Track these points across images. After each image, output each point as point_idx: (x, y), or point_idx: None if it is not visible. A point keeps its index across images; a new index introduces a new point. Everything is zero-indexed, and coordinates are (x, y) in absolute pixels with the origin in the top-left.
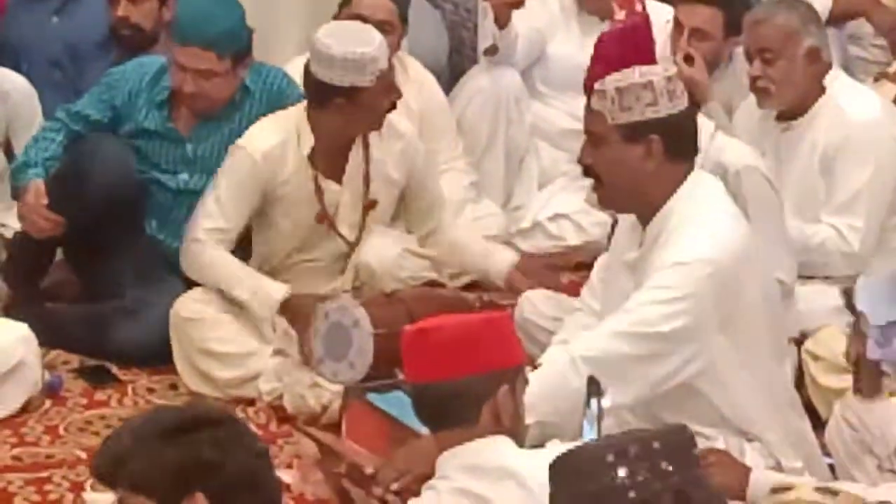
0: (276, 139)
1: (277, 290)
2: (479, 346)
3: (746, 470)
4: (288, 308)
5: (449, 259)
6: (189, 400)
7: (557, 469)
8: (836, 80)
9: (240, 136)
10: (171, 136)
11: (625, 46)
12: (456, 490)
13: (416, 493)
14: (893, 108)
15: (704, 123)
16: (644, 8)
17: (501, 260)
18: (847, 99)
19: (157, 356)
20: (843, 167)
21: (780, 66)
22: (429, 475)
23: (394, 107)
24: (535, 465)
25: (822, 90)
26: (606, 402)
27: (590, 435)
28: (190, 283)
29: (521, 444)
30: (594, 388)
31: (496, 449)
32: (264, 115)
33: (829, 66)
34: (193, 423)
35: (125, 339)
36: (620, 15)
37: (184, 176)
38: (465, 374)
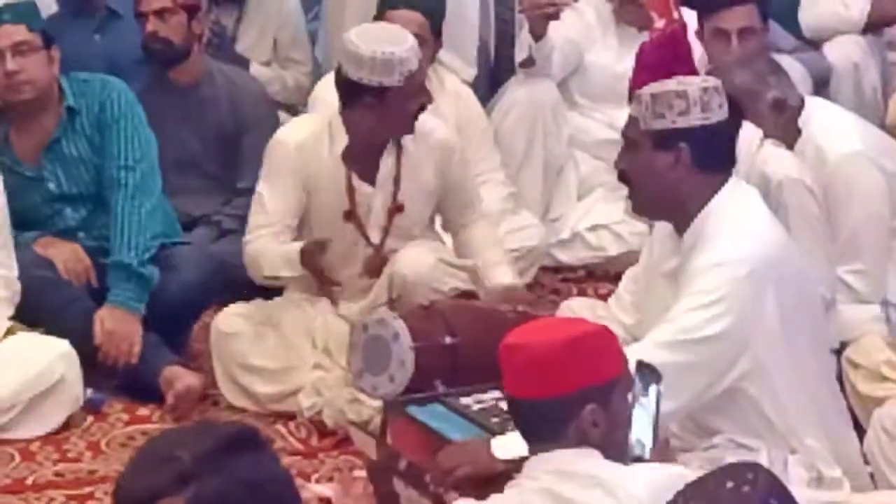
0: (309, 133)
1: (294, 251)
2: (563, 366)
3: None
4: (303, 259)
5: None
6: (204, 419)
7: None
8: (810, 118)
9: (86, 157)
10: (28, 180)
11: (665, 54)
12: (542, 490)
13: (466, 491)
14: (873, 133)
15: (750, 132)
16: (681, 15)
17: (494, 279)
18: (824, 137)
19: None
20: (834, 210)
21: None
22: (479, 475)
23: (423, 109)
24: (623, 477)
25: (798, 132)
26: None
27: (644, 422)
28: None
29: (620, 455)
30: (652, 376)
31: (585, 458)
32: (97, 131)
33: (801, 106)
34: (252, 438)
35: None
36: (660, 23)
37: (68, 210)
38: (550, 395)
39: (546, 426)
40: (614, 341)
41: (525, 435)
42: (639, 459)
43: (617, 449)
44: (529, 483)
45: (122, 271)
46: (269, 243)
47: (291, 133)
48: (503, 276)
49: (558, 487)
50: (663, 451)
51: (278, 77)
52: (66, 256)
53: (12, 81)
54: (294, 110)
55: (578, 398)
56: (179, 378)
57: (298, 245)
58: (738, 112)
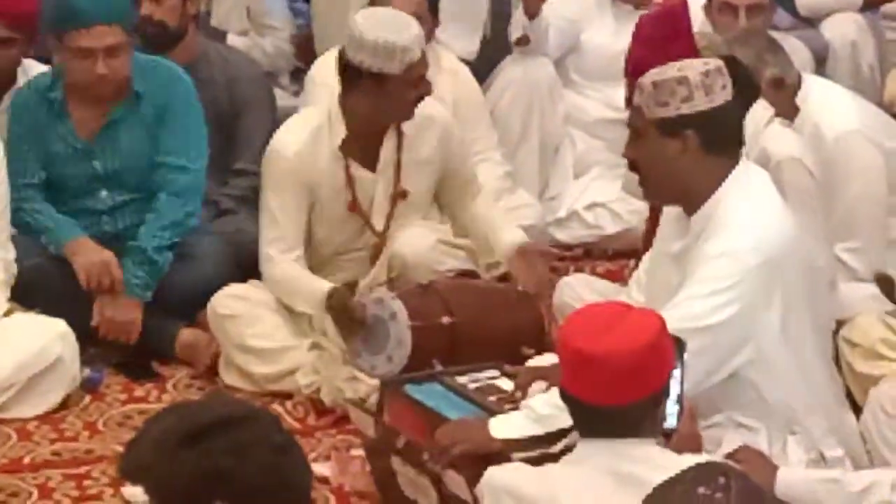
0: (305, 136)
1: (320, 290)
2: (646, 372)
3: (773, 468)
4: (330, 306)
5: (467, 232)
6: (208, 394)
7: None
8: (808, 95)
9: (141, 144)
10: (78, 153)
11: (664, 28)
12: (602, 467)
13: (463, 469)
14: (871, 111)
15: (761, 111)
16: None
17: (507, 239)
18: (822, 115)
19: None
20: (831, 187)
21: None
22: (476, 453)
23: (421, 99)
24: (682, 465)
25: (797, 110)
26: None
27: (672, 394)
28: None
29: (657, 436)
30: (678, 347)
31: (645, 446)
32: (158, 122)
33: (798, 84)
34: (210, 428)
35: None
36: None
37: (103, 192)
38: (632, 400)
39: (621, 428)
40: (668, 333)
41: (593, 433)
42: (669, 431)
43: (658, 432)
44: (591, 460)
45: (138, 255)
46: (290, 270)
47: (289, 140)
48: (513, 236)
49: (622, 467)
50: (689, 420)
51: (257, 45)
52: (95, 270)
53: (99, 84)
54: (284, 86)
55: (656, 398)
56: (199, 335)
57: (325, 285)
58: (749, 88)
